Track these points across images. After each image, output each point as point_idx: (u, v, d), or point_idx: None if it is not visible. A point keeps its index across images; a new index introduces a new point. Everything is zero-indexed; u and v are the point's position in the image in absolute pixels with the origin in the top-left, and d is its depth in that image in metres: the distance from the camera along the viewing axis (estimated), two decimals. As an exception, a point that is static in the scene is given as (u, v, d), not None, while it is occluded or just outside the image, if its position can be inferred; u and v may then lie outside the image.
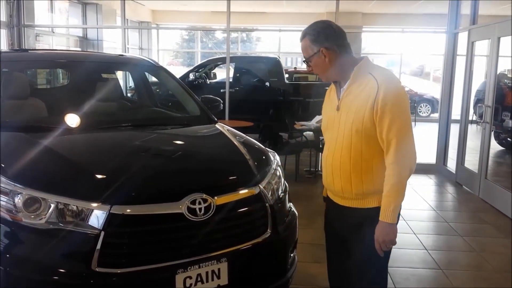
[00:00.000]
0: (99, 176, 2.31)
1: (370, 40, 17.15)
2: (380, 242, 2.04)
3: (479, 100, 7.95)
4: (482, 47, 6.41)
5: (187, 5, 13.58)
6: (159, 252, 2.15)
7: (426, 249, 4.21)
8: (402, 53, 13.79)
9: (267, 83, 9.30)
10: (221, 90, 7.87)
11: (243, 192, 2.44)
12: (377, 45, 17.84)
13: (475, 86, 8.24)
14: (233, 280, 2.32)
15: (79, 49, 10.51)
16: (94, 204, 2.09)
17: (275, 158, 3.00)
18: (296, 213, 2.93)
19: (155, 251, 2.15)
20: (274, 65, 9.38)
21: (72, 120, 2.93)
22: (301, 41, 2.11)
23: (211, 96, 3.91)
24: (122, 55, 4.27)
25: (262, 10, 14.52)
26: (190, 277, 2.18)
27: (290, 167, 6.82)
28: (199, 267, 2.20)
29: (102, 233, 2.05)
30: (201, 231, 2.23)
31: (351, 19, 13.08)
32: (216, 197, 2.29)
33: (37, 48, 7.79)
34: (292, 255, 2.78)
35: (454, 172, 6.89)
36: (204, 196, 2.25)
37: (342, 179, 2.10)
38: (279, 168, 2.92)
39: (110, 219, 2.07)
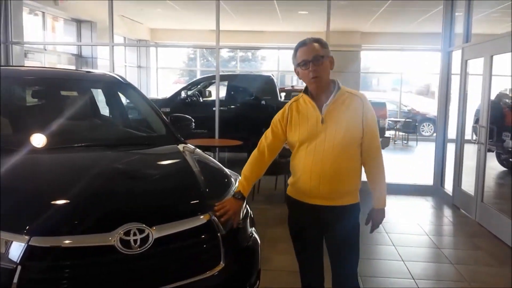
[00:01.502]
0: (23, 204, 2.08)
1: (370, 59, 16.99)
2: (378, 224, 2.48)
3: (478, 120, 7.69)
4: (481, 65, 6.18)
5: (186, 23, 13.54)
6: None
7: (413, 278, 3.92)
8: (402, 72, 13.63)
9: (263, 101, 9.13)
10: (214, 109, 7.70)
11: (189, 220, 2.21)
12: (378, 64, 17.66)
13: (474, 105, 7.99)
14: (176, 321, 2.07)
15: (73, 67, 10.41)
16: (13, 235, 1.87)
17: (238, 181, 2.77)
18: (259, 240, 2.69)
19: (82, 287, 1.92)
20: (267, 83, 9.25)
21: (20, 141, 2.70)
22: (313, 43, 2.31)
23: (182, 114, 3.71)
24: (89, 72, 4.08)
25: (261, 29, 14.48)
26: (122, 318, 1.94)
27: (280, 187, 6.57)
28: None
29: (19, 268, 1.82)
30: (136, 265, 2.00)
31: (350, 38, 13.00)
32: (155, 227, 2.06)
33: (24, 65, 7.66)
34: (253, 288, 2.53)
35: (451, 194, 6.60)
36: (143, 226, 2.03)
37: (331, 183, 2.31)
38: (240, 192, 2.68)
39: (30, 251, 1.85)
